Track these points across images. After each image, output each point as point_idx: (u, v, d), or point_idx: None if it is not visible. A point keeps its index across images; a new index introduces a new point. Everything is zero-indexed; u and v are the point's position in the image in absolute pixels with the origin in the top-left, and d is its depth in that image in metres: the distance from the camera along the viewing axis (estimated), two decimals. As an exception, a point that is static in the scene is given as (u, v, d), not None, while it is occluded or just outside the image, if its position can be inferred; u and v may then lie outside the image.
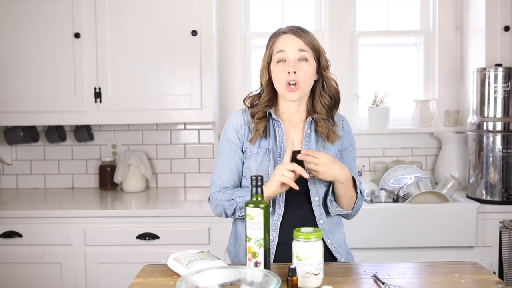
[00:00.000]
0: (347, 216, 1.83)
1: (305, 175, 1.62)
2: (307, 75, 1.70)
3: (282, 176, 1.60)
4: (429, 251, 2.64)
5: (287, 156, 1.64)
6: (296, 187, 1.62)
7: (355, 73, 3.23)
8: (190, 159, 3.24)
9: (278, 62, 1.71)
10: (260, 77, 1.78)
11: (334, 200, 1.75)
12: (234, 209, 1.72)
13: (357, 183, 1.74)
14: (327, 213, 1.76)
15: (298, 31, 1.71)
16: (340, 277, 1.54)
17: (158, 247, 2.60)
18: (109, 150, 3.24)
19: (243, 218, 1.72)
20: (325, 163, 1.62)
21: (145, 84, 2.86)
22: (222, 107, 3.17)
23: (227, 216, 1.77)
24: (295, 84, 1.68)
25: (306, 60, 1.70)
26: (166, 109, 2.87)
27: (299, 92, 1.70)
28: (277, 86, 1.73)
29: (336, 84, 1.78)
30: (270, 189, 1.62)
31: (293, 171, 1.60)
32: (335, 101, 1.78)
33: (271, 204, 1.68)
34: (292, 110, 1.78)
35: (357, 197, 1.75)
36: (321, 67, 1.74)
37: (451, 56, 3.19)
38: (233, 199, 1.71)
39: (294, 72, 1.67)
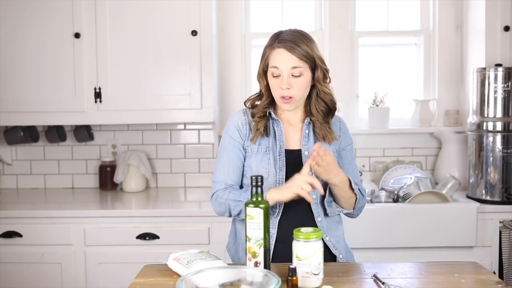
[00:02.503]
0: (351, 215, 1.84)
1: (321, 191, 1.63)
2: (301, 89, 1.72)
3: (301, 189, 1.60)
4: (429, 251, 2.64)
5: (306, 167, 1.63)
6: (312, 202, 1.66)
7: (355, 73, 3.22)
8: (190, 159, 3.24)
9: (273, 75, 1.72)
10: (258, 82, 1.81)
11: (334, 201, 1.77)
12: (240, 210, 1.71)
13: (353, 185, 1.74)
14: (326, 211, 1.77)
15: (291, 46, 1.68)
16: (340, 277, 1.55)
17: (158, 247, 2.60)
18: (109, 150, 3.24)
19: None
20: (328, 164, 1.63)
21: (145, 84, 2.87)
22: (222, 107, 3.18)
23: (230, 216, 1.77)
24: (290, 98, 1.71)
25: (300, 75, 1.70)
26: (166, 109, 2.87)
27: (294, 104, 1.73)
28: (274, 95, 1.76)
29: (332, 96, 1.79)
30: (285, 196, 1.64)
31: (310, 184, 1.61)
32: (330, 109, 1.80)
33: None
34: (290, 112, 1.81)
35: (356, 197, 1.75)
36: (316, 79, 1.74)
37: (451, 56, 3.19)
38: (240, 200, 1.71)
39: (288, 88, 1.69)
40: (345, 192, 1.72)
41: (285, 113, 1.81)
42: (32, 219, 2.65)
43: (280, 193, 1.65)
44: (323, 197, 1.75)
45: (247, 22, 3.26)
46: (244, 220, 1.51)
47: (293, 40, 1.69)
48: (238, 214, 1.74)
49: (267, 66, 1.74)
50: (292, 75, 1.69)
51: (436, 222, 2.63)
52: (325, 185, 1.74)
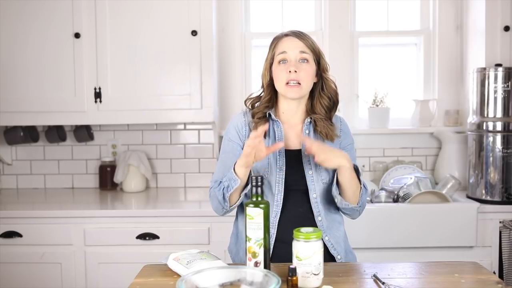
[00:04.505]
0: (353, 213, 1.81)
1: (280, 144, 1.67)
2: (308, 74, 1.75)
3: (247, 147, 1.60)
4: (429, 251, 2.64)
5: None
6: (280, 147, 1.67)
7: (355, 73, 3.22)
8: (190, 159, 3.24)
9: (279, 62, 1.76)
10: (262, 78, 1.83)
11: (340, 194, 1.75)
12: (223, 192, 1.70)
13: (360, 170, 1.75)
14: (326, 210, 1.77)
15: (299, 34, 1.77)
16: (340, 277, 1.55)
17: (158, 247, 2.60)
18: (109, 150, 3.24)
19: (243, 218, 1.73)
20: (324, 150, 1.65)
21: (145, 84, 2.87)
22: (222, 107, 3.17)
23: (222, 208, 1.75)
24: (297, 83, 1.72)
25: (307, 61, 1.75)
26: (166, 109, 2.87)
27: (300, 90, 1.74)
28: (278, 85, 1.77)
29: (335, 86, 1.83)
30: (242, 160, 1.63)
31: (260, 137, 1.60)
32: (333, 102, 1.82)
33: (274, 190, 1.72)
34: (291, 110, 1.81)
35: (361, 187, 1.75)
36: (321, 69, 1.79)
37: (451, 56, 3.19)
38: (220, 181, 1.73)
39: (295, 71, 1.72)
40: (354, 179, 1.71)
41: (286, 112, 1.82)
42: (32, 219, 2.65)
43: (240, 161, 1.64)
44: (324, 192, 1.75)
45: (247, 22, 3.26)
46: (244, 222, 1.51)
47: (300, 32, 1.79)
48: (223, 197, 1.70)
49: (273, 57, 1.78)
50: (299, 60, 1.74)
51: (436, 222, 2.63)
52: (332, 176, 1.74)
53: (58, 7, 2.83)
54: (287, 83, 1.72)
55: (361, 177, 1.75)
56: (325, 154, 1.64)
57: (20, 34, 2.85)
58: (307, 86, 1.76)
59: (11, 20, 2.84)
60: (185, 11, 2.82)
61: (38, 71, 2.87)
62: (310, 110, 1.81)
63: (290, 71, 1.72)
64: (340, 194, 1.74)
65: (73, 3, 2.82)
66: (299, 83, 1.72)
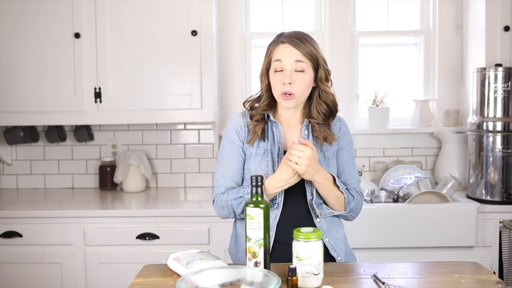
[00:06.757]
0: (346, 218, 1.83)
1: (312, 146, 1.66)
2: (303, 85, 1.70)
3: (289, 161, 1.63)
4: (429, 251, 2.64)
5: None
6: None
7: (355, 73, 3.22)
8: (190, 159, 3.24)
9: (275, 70, 1.72)
10: (260, 82, 1.80)
11: (324, 202, 1.76)
12: (243, 206, 1.69)
13: (337, 182, 1.72)
14: (316, 212, 1.76)
15: (296, 42, 1.70)
16: (340, 277, 1.55)
17: (158, 247, 2.60)
18: (109, 150, 3.24)
19: (243, 219, 1.73)
20: (309, 159, 1.61)
21: (145, 84, 2.87)
22: (222, 107, 3.18)
23: (235, 216, 1.76)
24: (290, 94, 1.69)
25: (303, 71, 1.70)
26: (166, 109, 2.87)
27: (294, 101, 1.71)
28: (274, 93, 1.75)
29: (334, 97, 1.78)
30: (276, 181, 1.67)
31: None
32: (331, 111, 1.79)
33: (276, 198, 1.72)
34: (290, 113, 1.80)
35: (344, 197, 1.74)
36: (319, 79, 1.74)
37: (451, 56, 3.19)
38: (241, 196, 1.71)
39: (290, 83, 1.68)
40: (330, 191, 1.71)
41: (284, 115, 1.80)
42: (32, 219, 2.65)
43: (275, 182, 1.67)
44: (311, 199, 1.75)
45: (247, 22, 3.26)
46: (243, 222, 1.51)
47: (298, 38, 1.71)
48: (242, 212, 1.71)
49: (270, 63, 1.74)
50: (295, 70, 1.69)
51: (436, 222, 2.63)
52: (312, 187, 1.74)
53: (58, 7, 2.83)
54: (283, 93, 1.70)
55: (342, 188, 1.73)
56: (307, 166, 1.62)
57: (20, 34, 2.85)
58: (302, 96, 1.73)
59: (11, 20, 2.84)
60: (185, 11, 2.82)
61: (38, 71, 2.87)
62: (308, 114, 1.78)
63: (284, 83, 1.68)
64: (324, 203, 1.76)
65: (73, 3, 2.82)
66: (293, 95, 1.69)
